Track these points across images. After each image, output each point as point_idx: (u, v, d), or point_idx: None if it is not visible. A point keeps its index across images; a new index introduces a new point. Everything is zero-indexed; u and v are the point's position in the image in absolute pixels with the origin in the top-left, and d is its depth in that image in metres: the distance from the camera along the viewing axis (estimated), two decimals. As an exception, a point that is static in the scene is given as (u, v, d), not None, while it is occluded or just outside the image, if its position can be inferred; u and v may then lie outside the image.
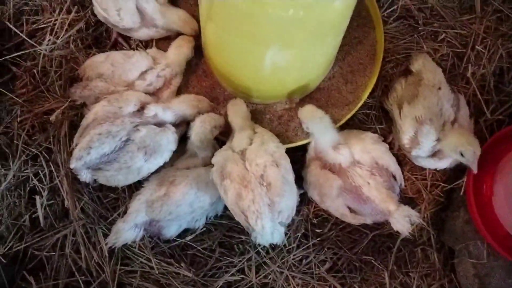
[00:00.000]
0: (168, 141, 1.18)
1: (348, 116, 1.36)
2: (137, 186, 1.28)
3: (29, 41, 1.35)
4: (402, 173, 1.41)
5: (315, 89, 1.40)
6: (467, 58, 1.46)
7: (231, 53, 1.21)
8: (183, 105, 1.25)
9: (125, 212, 1.28)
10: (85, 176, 1.14)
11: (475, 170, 1.18)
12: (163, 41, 1.41)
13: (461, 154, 1.18)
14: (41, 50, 1.30)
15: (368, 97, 1.47)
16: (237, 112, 1.25)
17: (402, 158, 1.42)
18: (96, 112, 1.17)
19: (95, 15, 1.39)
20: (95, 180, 1.17)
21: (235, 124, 1.24)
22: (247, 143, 1.18)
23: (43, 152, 1.29)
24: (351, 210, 1.25)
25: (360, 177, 1.23)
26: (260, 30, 1.02)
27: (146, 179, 1.22)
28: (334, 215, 1.29)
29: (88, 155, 1.10)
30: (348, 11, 1.10)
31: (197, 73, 1.39)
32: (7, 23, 1.36)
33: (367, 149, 1.26)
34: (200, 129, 1.22)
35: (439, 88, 1.29)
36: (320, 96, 1.40)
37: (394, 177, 1.28)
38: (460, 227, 1.31)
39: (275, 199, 1.11)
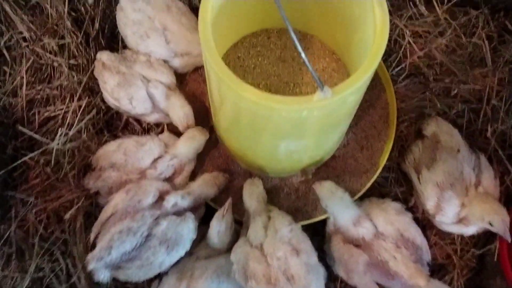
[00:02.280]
0: (189, 230, 1.15)
1: (368, 186, 1.32)
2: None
3: (41, 138, 1.35)
4: (429, 237, 1.36)
5: (330, 158, 1.38)
6: (483, 112, 1.42)
7: (243, 140, 1.20)
8: (203, 188, 1.23)
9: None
10: (103, 276, 1.11)
11: (508, 239, 1.12)
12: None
13: (490, 224, 1.13)
14: (53, 146, 1.30)
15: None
16: (253, 194, 1.23)
17: (427, 222, 1.37)
18: (115, 205, 1.15)
19: (105, 101, 1.40)
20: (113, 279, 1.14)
21: (250, 207, 1.21)
22: (263, 235, 1.14)
23: (60, 245, 1.27)
24: (380, 286, 1.19)
25: (386, 250, 1.17)
26: (272, 127, 1.01)
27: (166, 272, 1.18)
28: (364, 292, 1.23)
29: (109, 255, 1.07)
30: (360, 98, 1.09)
31: (210, 151, 1.37)
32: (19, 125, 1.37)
33: (390, 220, 1.21)
34: (219, 228, 1.18)
35: (458, 151, 1.26)
36: (335, 165, 1.37)
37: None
38: (498, 296, 1.24)
39: None
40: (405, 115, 1.48)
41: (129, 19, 1.33)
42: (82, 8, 1.49)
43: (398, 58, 1.52)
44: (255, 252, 1.11)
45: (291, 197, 1.32)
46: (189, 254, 1.20)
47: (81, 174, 1.34)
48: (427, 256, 1.23)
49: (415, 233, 1.21)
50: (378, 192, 1.41)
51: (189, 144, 1.27)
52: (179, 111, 1.30)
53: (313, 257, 1.13)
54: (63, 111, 1.40)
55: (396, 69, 1.52)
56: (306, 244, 1.14)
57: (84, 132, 1.37)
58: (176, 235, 1.11)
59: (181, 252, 1.14)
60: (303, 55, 0.83)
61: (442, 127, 1.31)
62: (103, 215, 1.15)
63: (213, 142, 1.37)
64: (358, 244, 1.21)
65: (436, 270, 1.32)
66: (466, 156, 1.24)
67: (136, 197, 1.14)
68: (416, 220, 1.36)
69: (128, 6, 1.34)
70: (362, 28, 1.08)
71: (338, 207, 1.21)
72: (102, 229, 1.12)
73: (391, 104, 1.42)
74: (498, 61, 1.47)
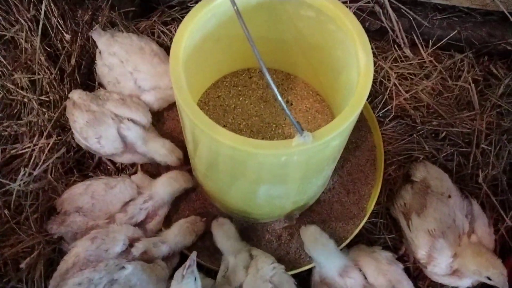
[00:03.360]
0: (158, 279, 1.04)
1: (355, 232, 1.23)
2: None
3: (1, 179, 1.25)
4: (422, 288, 1.26)
5: (315, 202, 1.29)
6: (473, 157, 1.37)
7: (221, 184, 1.12)
8: (180, 237, 1.12)
9: None
10: None
11: None
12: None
13: (488, 278, 1.04)
14: (14, 187, 1.20)
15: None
16: (225, 234, 1.13)
17: (418, 272, 1.28)
18: (76, 255, 1.03)
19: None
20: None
21: (226, 249, 1.11)
22: (243, 276, 1.05)
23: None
24: None
25: None
26: (251, 173, 0.93)
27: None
28: None
29: None
30: (345, 141, 1.03)
31: (187, 194, 1.28)
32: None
33: (382, 270, 1.11)
34: None
35: (449, 196, 1.19)
36: (321, 209, 1.28)
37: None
38: None
39: None
40: (392, 157, 1.42)
41: (105, 66, 1.30)
42: (59, 44, 1.44)
43: (384, 100, 1.48)
44: None
45: (273, 244, 1.22)
46: None
47: (44, 218, 1.23)
48: None
49: (407, 286, 1.12)
50: (366, 238, 1.33)
51: (169, 185, 1.18)
52: (161, 150, 1.23)
53: None
54: (30, 149, 1.31)
55: (382, 111, 1.48)
56: (289, 285, 1.05)
57: (51, 173, 1.28)
58: (142, 281, 1.00)
59: None
60: (279, 97, 0.77)
61: (431, 172, 1.24)
62: (63, 266, 1.03)
63: (192, 191, 1.28)
64: None
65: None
66: (458, 202, 1.17)
67: (104, 246, 1.03)
68: (407, 269, 1.27)
69: (104, 49, 1.31)
70: (346, 70, 1.04)
71: (322, 254, 1.12)
72: (61, 280, 1.00)
73: (378, 147, 1.36)
74: (485, 104, 1.44)
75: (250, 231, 1.24)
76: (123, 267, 0.99)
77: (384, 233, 1.33)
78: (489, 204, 1.31)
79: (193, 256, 0.96)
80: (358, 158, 1.35)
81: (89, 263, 1.00)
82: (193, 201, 1.28)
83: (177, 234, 1.11)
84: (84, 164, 1.38)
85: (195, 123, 0.84)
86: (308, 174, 1.00)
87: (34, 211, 1.22)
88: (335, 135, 0.85)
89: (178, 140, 1.33)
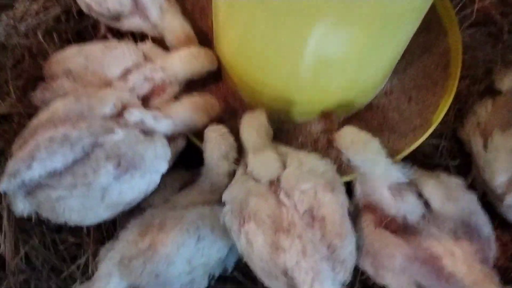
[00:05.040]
0: (156, 155, 0.80)
1: (414, 146, 0.96)
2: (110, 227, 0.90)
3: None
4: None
5: (365, 108, 1.02)
6: None
7: (255, 58, 0.86)
8: (188, 111, 0.88)
9: (86, 266, 0.90)
10: (22, 206, 0.75)
11: None
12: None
13: None
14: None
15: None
16: (254, 127, 0.87)
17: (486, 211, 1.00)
18: (55, 110, 0.78)
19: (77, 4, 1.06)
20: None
21: (251, 144, 0.85)
22: (280, 168, 0.80)
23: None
24: (423, 289, 0.82)
25: (440, 242, 0.80)
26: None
27: (124, 225, 0.82)
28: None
29: (29, 169, 0.71)
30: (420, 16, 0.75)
31: (206, 83, 1.02)
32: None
33: (453, 196, 0.84)
34: (219, 142, 0.85)
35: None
36: (371, 117, 1.01)
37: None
38: None
39: (335, 242, 0.74)
40: (466, 70, 1.12)
41: None
42: None
43: (463, 2, 1.17)
44: (261, 187, 0.78)
45: (307, 148, 0.96)
46: (162, 201, 0.85)
47: (29, 88, 1.00)
48: (492, 253, 0.85)
49: (482, 219, 0.84)
50: (421, 163, 1.04)
51: (188, 62, 0.93)
52: (178, 29, 0.98)
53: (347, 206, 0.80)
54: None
55: (459, 16, 1.17)
56: (343, 188, 0.81)
57: (43, 36, 1.04)
58: (134, 153, 0.76)
59: (139, 182, 0.78)
60: None
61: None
62: (34, 122, 0.79)
63: (213, 75, 1.02)
64: (396, 229, 0.84)
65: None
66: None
67: (88, 102, 0.78)
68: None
69: None
70: None
71: (363, 158, 0.84)
72: (30, 138, 0.76)
73: (454, 49, 1.06)
74: None
75: (279, 132, 0.98)
76: (112, 132, 0.74)
77: (447, 159, 1.05)
78: None
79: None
80: (426, 62, 1.06)
81: (67, 119, 0.75)
82: (213, 91, 1.03)
83: (186, 109, 0.87)
84: (86, 39, 1.13)
85: None
86: (382, 19, 0.71)
87: (17, 76, 0.99)
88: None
89: (199, 24, 1.07)
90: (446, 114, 1.06)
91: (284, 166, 0.81)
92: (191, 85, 0.98)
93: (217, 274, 0.86)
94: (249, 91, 0.98)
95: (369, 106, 1.02)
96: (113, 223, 0.92)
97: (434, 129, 1.05)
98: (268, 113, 0.95)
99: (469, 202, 0.85)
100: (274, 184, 0.78)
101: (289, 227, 0.73)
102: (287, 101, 0.92)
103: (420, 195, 0.86)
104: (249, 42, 0.83)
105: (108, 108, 0.78)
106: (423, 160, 1.05)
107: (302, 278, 0.70)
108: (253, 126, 0.87)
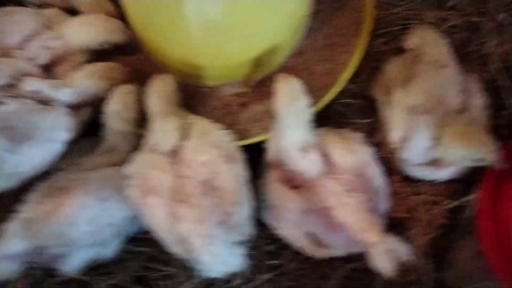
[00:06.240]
0: (53, 125, 0.81)
1: (320, 105, 0.99)
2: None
3: None
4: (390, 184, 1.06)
5: (278, 69, 1.04)
6: (486, 30, 1.08)
7: (150, 12, 0.85)
8: (88, 79, 0.88)
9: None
10: None
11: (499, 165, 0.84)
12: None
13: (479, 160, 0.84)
14: None
15: (351, 82, 1.10)
16: (159, 92, 0.89)
17: (389, 166, 1.06)
18: None
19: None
20: None
21: (155, 110, 0.88)
22: (179, 138, 0.84)
23: None
24: (316, 239, 0.90)
25: (334, 194, 0.87)
26: None
27: (33, 189, 0.86)
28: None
29: None
30: None
31: (122, 49, 1.00)
32: None
33: (351, 150, 0.90)
34: (119, 106, 0.88)
35: (444, 66, 0.93)
36: (285, 78, 1.04)
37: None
38: (467, 263, 0.96)
39: (230, 209, 0.79)
40: (384, 27, 1.14)
41: None
42: None
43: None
44: (161, 159, 0.82)
45: (218, 112, 0.99)
46: (69, 165, 0.88)
47: None
48: (384, 204, 0.94)
49: (375, 171, 0.91)
50: (336, 123, 1.08)
51: (84, 33, 0.91)
52: None
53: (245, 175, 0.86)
54: None
55: (381, -30, 1.16)
56: (241, 157, 0.86)
57: None
58: (27, 124, 0.77)
59: (36, 152, 0.80)
60: None
61: (427, 38, 0.98)
62: None
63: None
64: (298, 184, 0.90)
65: (393, 226, 1.03)
66: (453, 74, 0.91)
67: None
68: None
69: None
70: None
71: (292, 118, 0.88)
72: None
73: (367, 6, 1.06)
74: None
75: (192, 97, 1.00)
76: (2, 103, 0.75)
77: (360, 117, 1.10)
78: (494, 92, 1.06)
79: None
80: (340, 21, 1.07)
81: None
82: (131, 61, 1.02)
83: (85, 77, 0.87)
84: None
85: None
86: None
87: None
88: None
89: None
90: (360, 73, 1.10)
91: (186, 135, 0.84)
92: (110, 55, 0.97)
93: (131, 234, 0.92)
94: (160, 58, 0.98)
95: (283, 68, 1.04)
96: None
97: (348, 89, 1.10)
98: (180, 77, 0.96)
99: (364, 155, 0.91)
100: (175, 154, 0.82)
101: (186, 197, 0.78)
102: (194, 66, 0.94)
103: (323, 151, 0.91)
104: (142, 8, 0.82)
105: (2, 80, 0.78)
106: (337, 119, 1.09)
107: (197, 243, 0.77)
108: (157, 92, 0.89)
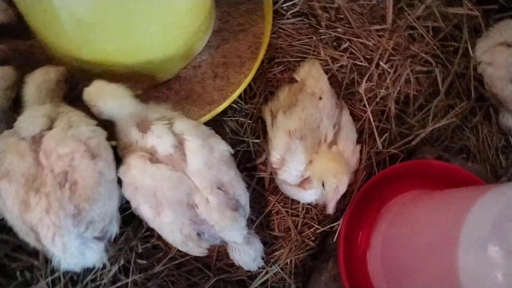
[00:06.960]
0: None
1: (206, 118, 1.02)
2: None
3: None
4: (272, 202, 1.11)
5: (175, 78, 1.06)
6: (369, 75, 1.20)
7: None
8: None
9: None
10: None
11: (330, 210, 0.88)
12: None
13: (323, 185, 0.89)
14: None
15: (247, 103, 1.16)
16: (37, 82, 0.87)
17: (274, 186, 1.11)
18: None
19: None
20: None
21: (26, 97, 0.86)
22: (44, 125, 0.81)
23: None
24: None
25: (198, 192, 0.85)
26: None
27: None
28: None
29: None
30: None
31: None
32: None
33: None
34: None
35: (320, 98, 1.00)
36: (180, 88, 1.06)
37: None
38: (326, 284, 1.01)
39: (83, 205, 0.78)
40: (283, 57, 1.22)
41: None
42: None
43: (291, -9, 1.25)
44: (22, 145, 0.79)
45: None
46: None
47: None
48: (246, 207, 0.93)
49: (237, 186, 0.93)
50: (228, 138, 1.13)
51: None
52: None
53: (112, 173, 0.84)
54: None
55: (288, 3, 1.25)
56: (107, 154, 0.84)
57: None
58: None
59: None
60: None
61: (311, 70, 1.05)
62: None
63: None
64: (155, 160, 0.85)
65: (268, 242, 1.07)
66: (328, 107, 0.98)
67: None
68: (261, 180, 1.11)
69: None
70: None
71: (118, 107, 0.89)
72: None
73: (264, 34, 1.13)
74: (400, 23, 1.26)
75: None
76: None
77: (249, 136, 1.14)
78: (371, 131, 1.16)
79: None
80: (240, 43, 1.13)
81: None
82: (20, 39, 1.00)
83: None
84: None
85: None
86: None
87: None
88: None
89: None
90: (255, 96, 1.16)
91: (51, 124, 0.82)
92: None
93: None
94: (48, 49, 0.96)
95: (178, 78, 1.06)
96: None
97: (243, 108, 1.15)
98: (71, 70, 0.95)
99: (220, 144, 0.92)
100: (36, 142, 0.80)
101: (39, 186, 0.76)
102: (80, 60, 0.93)
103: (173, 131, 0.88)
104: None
105: None
106: (229, 136, 1.13)
107: (44, 233, 0.75)
108: (36, 81, 0.87)
